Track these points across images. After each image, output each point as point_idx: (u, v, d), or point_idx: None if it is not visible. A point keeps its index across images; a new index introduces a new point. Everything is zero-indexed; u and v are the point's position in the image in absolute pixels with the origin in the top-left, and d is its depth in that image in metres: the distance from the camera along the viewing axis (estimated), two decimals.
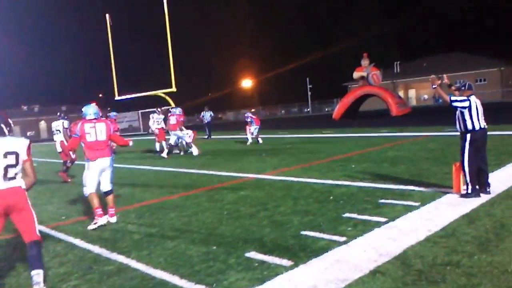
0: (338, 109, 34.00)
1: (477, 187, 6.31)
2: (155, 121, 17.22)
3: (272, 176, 9.48)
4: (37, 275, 3.97)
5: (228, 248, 4.91)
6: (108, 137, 6.56)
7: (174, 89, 25.53)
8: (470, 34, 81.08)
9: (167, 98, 28.37)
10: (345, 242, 4.79)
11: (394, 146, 13.13)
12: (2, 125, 4.17)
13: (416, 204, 6.11)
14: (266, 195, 7.55)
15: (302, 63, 74.12)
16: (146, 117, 30.67)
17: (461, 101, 6.29)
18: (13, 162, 4.06)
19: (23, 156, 4.15)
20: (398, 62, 63.67)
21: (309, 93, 61.30)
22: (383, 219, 5.52)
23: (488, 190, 6.46)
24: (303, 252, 4.59)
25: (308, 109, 62.85)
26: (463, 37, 79.92)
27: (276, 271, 4.14)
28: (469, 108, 6.24)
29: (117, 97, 29.03)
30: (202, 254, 4.81)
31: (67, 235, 6.08)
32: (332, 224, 5.50)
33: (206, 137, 23.59)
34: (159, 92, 27.48)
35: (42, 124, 70.99)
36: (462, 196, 6.34)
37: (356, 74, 33.12)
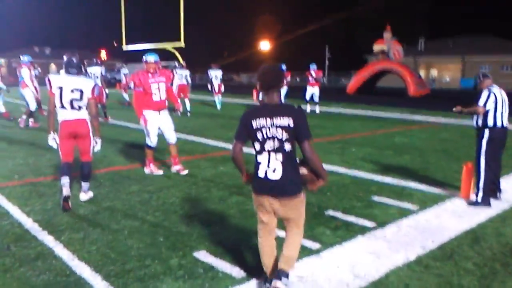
0: (353, 83, 32.57)
1: (489, 196, 5.36)
2: (179, 76, 15.80)
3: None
4: (85, 186, 5.42)
5: (177, 243, 4.07)
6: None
7: (182, 44, 24.36)
8: (504, 18, 77.31)
9: (176, 53, 27.22)
10: (317, 252, 3.92)
11: (404, 131, 12.08)
12: (81, 65, 5.30)
13: (414, 208, 5.19)
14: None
15: (323, 31, 71.63)
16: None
17: (488, 97, 5.24)
18: (77, 97, 5.09)
19: (87, 94, 5.14)
20: (423, 39, 61.08)
21: (327, 63, 59.43)
22: (371, 224, 4.62)
23: (499, 196, 5.55)
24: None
25: (324, 79, 61.13)
26: (496, 20, 76.24)
27: (220, 284, 3.30)
28: (495, 102, 5.24)
29: (125, 47, 27.97)
30: (144, 247, 3.98)
31: (7, 200, 5.30)
32: (309, 223, 4.61)
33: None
34: (168, 46, 26.32)
35: (53, 67, 70.18)
36: (470, 204, 5.39)
37: (376, 47, 31.51)
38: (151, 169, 6.70)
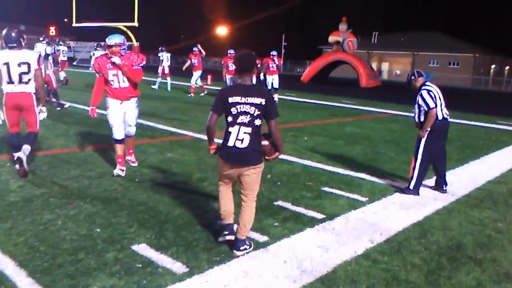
0: (308, 72, 32.78)
1: (420, 186, 5.53)
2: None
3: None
4: (26, 147, 5.28)
5: (115, 234, 3.79)
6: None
7: (136, 23, 23.48)
8: (451, 16, 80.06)
9: (129, 33, 26.23)
10: (264, 245, 3.76)
11: (355, 121, 12.18)
12: (20, 39, 5.26)
13: (363, 199, 5.15)
14: (195, 162, 6.41)
15: (280, 19, 71.63)
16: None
17: (431, 97, 5.36)
18: (25, 70, 5.21)
19: (34, 65, 5.28)
20: (377, 33, 62.34)
21: (283, 51, 59.41)
22: (319, 216, 4.52)
23: (444, 189, 5.64)
24: (206, 253, 3.53)
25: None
26: (444, 18, 78.88)
27: (159, 281, 3.07)
28: (435, 97, 5.38)
29: (74, 24, 26.64)
30: (78, 238, 3.67)
31: None
32: (258, 214, 4.41)
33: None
34: (121, 25, 25.28)
35: None
36: (401, 190, 5.55)
37: (331, 38, 31.76)
38: (118, 170, 5.53)
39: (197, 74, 16.83)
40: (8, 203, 4.37)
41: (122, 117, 5.59)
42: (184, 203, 4.65)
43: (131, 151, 6.09)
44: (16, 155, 5.21)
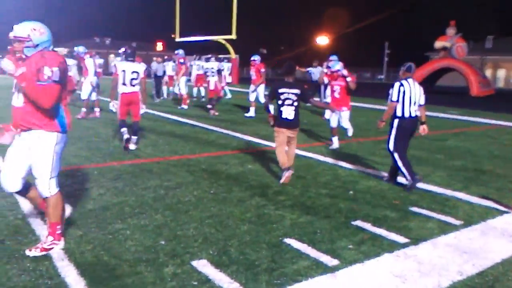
0: None
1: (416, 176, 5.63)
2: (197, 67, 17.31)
3: (297, 150, 8.05)
4: (134, 138, 7.60)
5: (178, 247, 3.69)
6: None
7: (234, 36, 24.09)
8: None
9: (228, 45, 27.02)
10: (333, 270, 3.40)
11: (460, 134, 11.11)
12: (134, 55, 7.62)
13: (457, 222, 4.52)
14: (274, 174, 6.20)
15: (382, 26, 69.14)
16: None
17: (394, 91, 5.73)
18: (135, 77, 7.40)
19: (141, 74, 7.49)
20: (492, 37, 57.33)
21: (386, 59, 57.22)
22: (402, 240, 4.03)
23: (396, 182, 5.90)
24: (267, 275, 3.27)
25: (382, 76, 58.96)
26: None
27: None
28: (403, 93, 5.66)
29: (178, 39, 28.13)
30: (141, 250, 3.63)
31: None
32: (331, 234, 4.10)
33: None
34: (220, 38, 26.13)
35: (112, 57, 72.26)
36: (405, 188, 5.65)
37: (438, 44, 29.72)
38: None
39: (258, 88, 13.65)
40: (86, 211, 4.51)
41: (21, 156, 3.48)
42: (255, 218, 4.44)
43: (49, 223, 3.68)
44: (125, 136, 7.44)
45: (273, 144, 8.64)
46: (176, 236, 3.93)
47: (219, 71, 13.53)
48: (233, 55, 26.55)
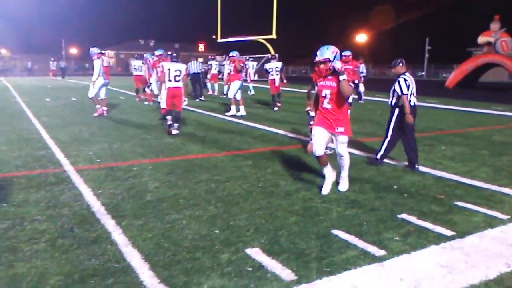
0: (454, 76, 30.28)
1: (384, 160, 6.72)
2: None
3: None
4: (176, 125, 9.19)
5: (231, 237, 3.93)
6: None
7: (274, 36, 24.28)
8: None
9: (268, 45, 27.23)
10: (380, 259, 3.55)
11: (505, 130, 10.88)
12: (177, 56, 9.50)
13: (504, 217, 4.55)
14: (318, 170, 6.34)
15: (422, 21, 67.53)
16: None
17: (404, 86, 6.35)
18: (178, 74, 9.14)
19: (183, 72, 9.23)
20: None
21: (426, 55, 55.88)
22: (448, 232, 4.12)
23: (416, 167, 6.46)
24: (317, 263, 3.45)
25: (423, 73, 57.62)
26: None
27: (266, 286, 3.09)
28: (408, 86, 6.34)
29: (219, 39, 28.58)
30: (198, 238, 3.89)
31: (84, 182, 5.54)
32: (378, 226, 4.24)
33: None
34: (260, 38, 26.40)
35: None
36: (370, 162, 6.75)
37: (481, 39, 28.89)
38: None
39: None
40: (144, 202, 4.83)
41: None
42: (302, 211, 4.63)
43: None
44: (169, 122, 9.06)
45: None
46: (229, 226, 4.17)
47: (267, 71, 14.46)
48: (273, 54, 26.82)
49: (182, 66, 9.29)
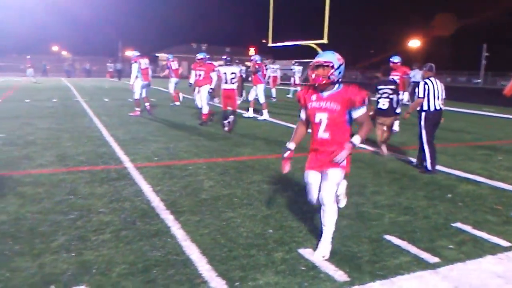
0: None
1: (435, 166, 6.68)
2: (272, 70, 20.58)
3: (392, 152, 8.11)
4: (232, 119, 10.16)
5: (285, 236, 4.05)
6: None
7: (325, 40, 24.19)
8: None
9: (319, 50, 27.13)
10: (434, 266, 3.55)
11: None
12: (231, 60, 10.53)
13: None
14: (370, 176, 6.36)
15: (480, 28, 64.94)
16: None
17: (421, 89, 6.65)
18: (234, 77, 10.09)
19: (238, 74, 10.30)
20: None
21: (483, 62, 53.69)
22: (505, 243, 4.04)
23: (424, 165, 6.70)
24: (370, 266, 3.51)
25: (479, 80, 55.41)
26: None
27: (319, 286, 3.18)
28: (428, 90, 6.59)
29: (270, 44, 28.78)
30: (252, 236, 4.04)
31: (144, 179, 5.83)
32: (431, 234, 4.22)
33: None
34: (311, 43, 26.35)
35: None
36: (422, 172, 6.63)
37: None
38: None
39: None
40: (200, 200, 5.04)
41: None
42: (354, 215, 4.68)
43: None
44: (225, 122, 10.08)
45: (368, 148, 8.80)
46: (282, 226, 4.29)
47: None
48: None
49: (236, 69, 10.27)
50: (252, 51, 53.53)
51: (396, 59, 11.54)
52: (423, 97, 6.59)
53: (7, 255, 3.56)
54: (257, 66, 13.26)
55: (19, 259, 3.49)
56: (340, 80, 3.64)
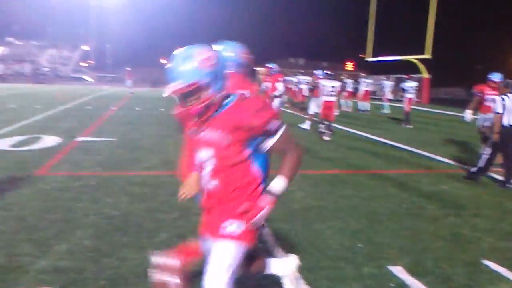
0: None
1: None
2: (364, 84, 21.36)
3: (492, 174, 7.60)
4: (329, 132, 11.31)
5: (374, 252, 4.03)
6: None
7: (428, 55, 23.27)
8: None
9: (420, 65, 26.14)
10: None
11: None
12: (331, 74, 12.47)
13: None
14: (469, 197, 6.05)
15: None
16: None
17: (499, 105, 6.61)
18: (333, 90, 11.27)
19: (337, 88, 11.54)
20: None
21: None
22: None
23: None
24: None
25: None
26: None
27: None
28: (504, 106, 6.52)
29: (369, 58, 28.37)
30: (341, 249, 4.08)
31: None
32: None
33: None
34: (412, 58, 25.50)
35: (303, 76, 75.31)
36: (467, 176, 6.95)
37: None
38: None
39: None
40: (292, 210, 5.18)
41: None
42: (450, 237, 4.51)
43: None
44: (322, 130, 11.23)
45: (465, 167, 8.33)
46: (372, 242, 4.27)
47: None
48: (425, 74, 25.52)
49: (336, 83, 11.48)
50: (350, 65, 52.95)
51: (496, 78, 10.07)
52: (501, 113, 6.59)
53: (117, 246, 3.98)
54: (317, 81, 13.38)
55: (127, 250, 3.88)
56: (222, 90, 2.20)
